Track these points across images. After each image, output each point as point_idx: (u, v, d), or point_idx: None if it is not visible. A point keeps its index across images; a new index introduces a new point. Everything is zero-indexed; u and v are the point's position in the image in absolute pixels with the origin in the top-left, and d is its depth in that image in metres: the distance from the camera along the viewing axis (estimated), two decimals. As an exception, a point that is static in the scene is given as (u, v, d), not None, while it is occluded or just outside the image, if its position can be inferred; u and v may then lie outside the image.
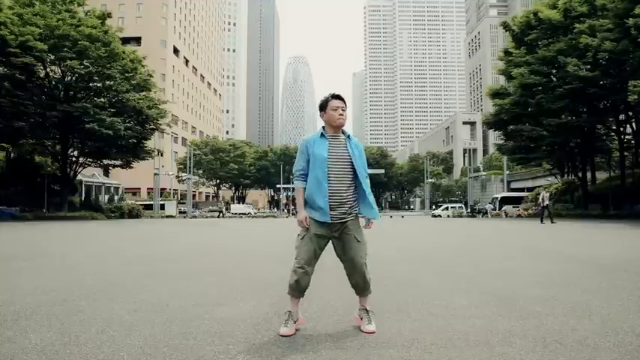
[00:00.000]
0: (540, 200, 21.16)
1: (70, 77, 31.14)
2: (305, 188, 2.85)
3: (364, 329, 2.80)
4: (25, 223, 22.69)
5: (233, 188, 74.92)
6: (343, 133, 2.90)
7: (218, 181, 71.22)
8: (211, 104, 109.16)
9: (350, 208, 2.81)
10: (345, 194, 2.79)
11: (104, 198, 45.36)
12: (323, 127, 2.89)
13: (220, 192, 77.43)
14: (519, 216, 34.27)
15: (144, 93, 34.24)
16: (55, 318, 3.09)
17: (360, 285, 2.87)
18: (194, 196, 62.45)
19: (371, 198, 2.85)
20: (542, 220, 20.39)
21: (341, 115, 2.82)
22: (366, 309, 2.88)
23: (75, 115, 28.58)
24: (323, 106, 2.88)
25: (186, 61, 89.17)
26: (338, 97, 2.88)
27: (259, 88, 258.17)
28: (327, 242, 2.85)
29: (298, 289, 2.76)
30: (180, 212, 47.37)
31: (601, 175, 34.57)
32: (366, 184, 2.86)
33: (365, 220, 2.91)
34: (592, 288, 4.16)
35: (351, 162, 2.80)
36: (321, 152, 2.77)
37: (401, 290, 4.15)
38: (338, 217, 2.78)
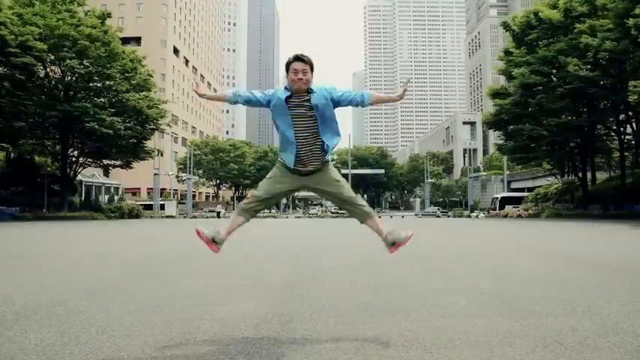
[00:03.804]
0: None
1: (70, 77, 31.14)
2: (231, 94, 2.90)
3: (402, 240, 2.83)
4: (25, 223, 22.69)
5: (233, 188, 74.91)
6: (308, 91, 2.75)
7: (218, 181, 71.21)
8: (211, 104, 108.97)
9: (318, 161, 2.85)
10: (311, 150, 2.80)
11: (104, 198, 45.36)
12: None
13: (220, 192, 77.40)
14: (519, 216, 34.26)
15: (144, 93, 34.26)
16: (55, 318, 3.09)
17: (358, 212, 2.91)
18: (194, 196, 62.43)
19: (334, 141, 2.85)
20: None
21: (300, 79, 2.69)
22: (387, 236, 2.86)
23: (75, 114, 28.59)
24: (286, 68, 2.80)
25: (187, 61, 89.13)
26: (298, 58, 2.74)
27: (259, 88, 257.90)
28: (289, 191, 2.98)
29: (246, 210, 2.88)
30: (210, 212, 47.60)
31: (601, 175, 34.56)
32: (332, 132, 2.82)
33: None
34: (592, 288, 4.16)
35: (314, 118, 2.76)
36: (282, 106, 2.75)
37: (401, 290, 4.15)
38: (306, 170, 2.84)
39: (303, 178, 2.92)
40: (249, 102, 2.90)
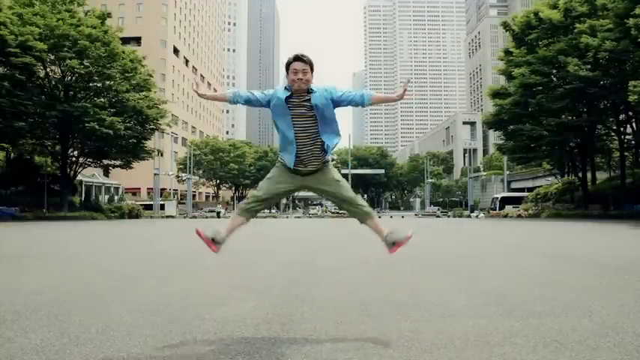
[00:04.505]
0: None
1: (70, 77, 31.15)
2: (231, 94, 2.88)
3: (402, 240, 2.86)
4: (25, 223, 22.69)
5: (233, 188, 74.92)
6: (308, 91, 2.74)
7: (218, 181, 71.23)
8: (211, 104, 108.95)
9: (318, 161, 2.86)
10: (310, 150, 2.80)
11: (104, 198, 45.36)
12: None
13: (220, 192, 77.40)
14: (519, 216, 34.26)
15: (144, 93, 34.26)
16: (55, 318, 3.09)
17: (358, 212, 2.93)
18: (194, 196, 62.45)
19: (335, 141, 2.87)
20: None
21: (300, 79, 2.67)
22: (387, 234, 2.89)
23: (75, 115, 28.60)
24: (286, 68, 2.79)
25: (187, 61, 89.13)
26: (298, 58, 2.72)
27: (259, 88, 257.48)
28: (289, 191, 2.99)
29: (247, 210, 2.90)
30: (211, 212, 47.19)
31: (601, 175, 34.56)
32: (333, 133, 2.84)
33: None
34: (592, 288, 4.15)
35: (314, 118, 2.76)
36: (282, 109, 2.76)
37: (401, 290, 4.15)
38: (306, 170, 2.85)
39: (303, 178, 2.93)
40: (249, 102, 2.91)
